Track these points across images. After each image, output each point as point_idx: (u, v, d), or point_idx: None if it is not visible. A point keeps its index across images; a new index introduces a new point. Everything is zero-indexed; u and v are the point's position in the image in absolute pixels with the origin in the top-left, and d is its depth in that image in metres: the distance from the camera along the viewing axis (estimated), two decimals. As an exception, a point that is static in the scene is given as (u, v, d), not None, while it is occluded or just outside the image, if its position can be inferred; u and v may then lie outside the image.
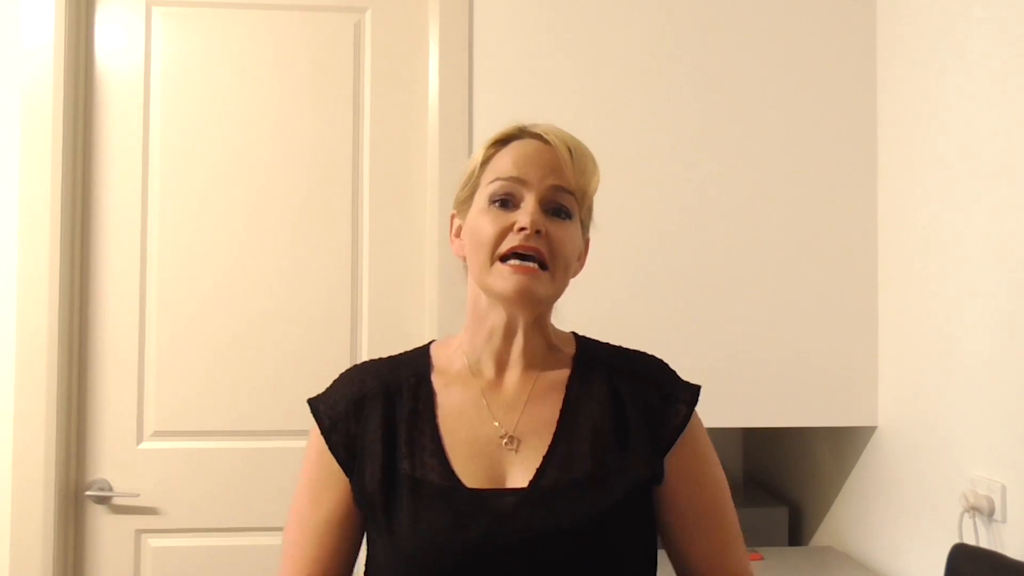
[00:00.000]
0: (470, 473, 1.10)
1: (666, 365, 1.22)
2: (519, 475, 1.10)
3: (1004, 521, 1.68)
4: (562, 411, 1.14)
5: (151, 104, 2.26)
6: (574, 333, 1.25)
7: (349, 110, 2.29)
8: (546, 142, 1.14)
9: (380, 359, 1.23)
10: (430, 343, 1.25)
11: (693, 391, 1.18)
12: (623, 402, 1.15)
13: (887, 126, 2.19)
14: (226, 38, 2.28)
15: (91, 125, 2.24)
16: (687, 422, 1.16)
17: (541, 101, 2.17)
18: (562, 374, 1.18)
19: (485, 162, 1.17)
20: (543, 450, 1.11)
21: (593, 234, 1.22)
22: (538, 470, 1.10)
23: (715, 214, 2.21)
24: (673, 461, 1.15)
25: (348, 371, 1.22)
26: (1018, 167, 1.67)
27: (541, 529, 1.05)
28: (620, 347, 1.24)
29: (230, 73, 2.27)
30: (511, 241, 1.10)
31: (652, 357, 1.23)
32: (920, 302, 2.02)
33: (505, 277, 1.10)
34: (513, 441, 1.12)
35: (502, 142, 1.17)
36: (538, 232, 1.09)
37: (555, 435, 1.12)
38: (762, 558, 2.20)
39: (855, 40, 2.23)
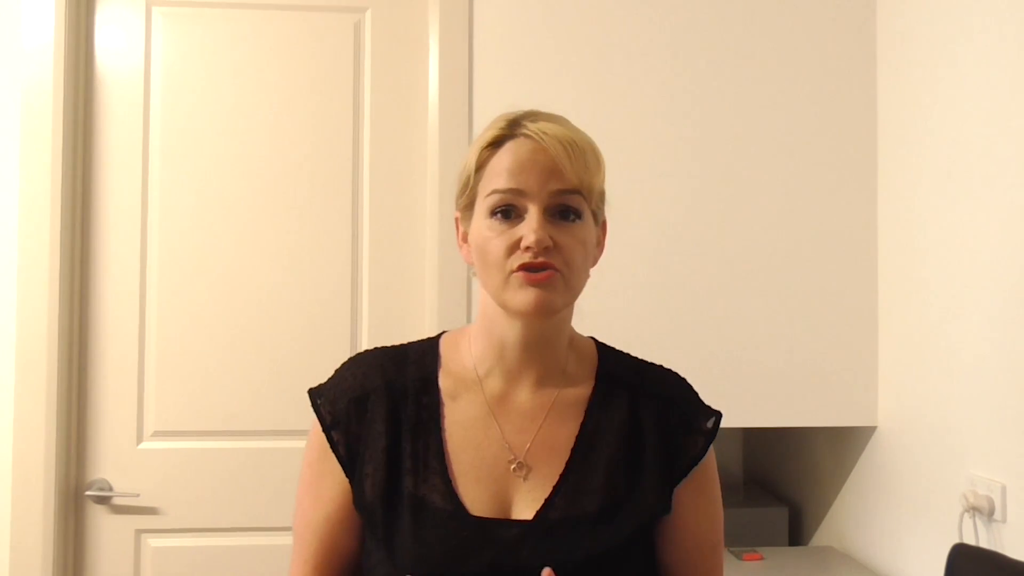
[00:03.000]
0: (476, 499, 1.06)
1: (689, 387, 1.18)
2: (526, 505, 1.06)
3: (1004, 521, 1.68)
4: (578, 438, 1.10)
5: (151, 104, 2.26)
6: (594, 340, 1.19)
7: (349, 110, 2.29)
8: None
9: (386, 349, 1.18)
10: (440, 335, 1.19)
11: (714, 421, 1.14)
12: (641, 428, 1.11)
13: (887, 126, 2.19)
14: (226, 38, 2.28)
15: (91, 125, 2.24)
16: (703, 455, 1.12)
17: (541, 101, 2.14)
18: (581, 394, 1.13)
19: (480, 166, 1.09)
20: (553, 479, 1.07)
21: None
22: (546, 501, 1.06)
23: (714, 214, 2.21)
24: (681, 492, 1.11)
25: (351, 362, 1.17)
26: (1018, 167, 1.67)
27: (545, 564, 1.01)
28: (643, 362, 1.18)
29: (230, 73, 2.27)
30: (520, 258, 1.04)
31: (676, 377, 1.18)
32: (920, 302, 2.01)
33: (518, 293, 1.04)
34: (522, 468, 1.08)
35: (495, 143, 1.09)
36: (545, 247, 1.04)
37: (567, 464, 1.08)
38: (762, 558, 2.20)
39: (855, 40, 2.23)
